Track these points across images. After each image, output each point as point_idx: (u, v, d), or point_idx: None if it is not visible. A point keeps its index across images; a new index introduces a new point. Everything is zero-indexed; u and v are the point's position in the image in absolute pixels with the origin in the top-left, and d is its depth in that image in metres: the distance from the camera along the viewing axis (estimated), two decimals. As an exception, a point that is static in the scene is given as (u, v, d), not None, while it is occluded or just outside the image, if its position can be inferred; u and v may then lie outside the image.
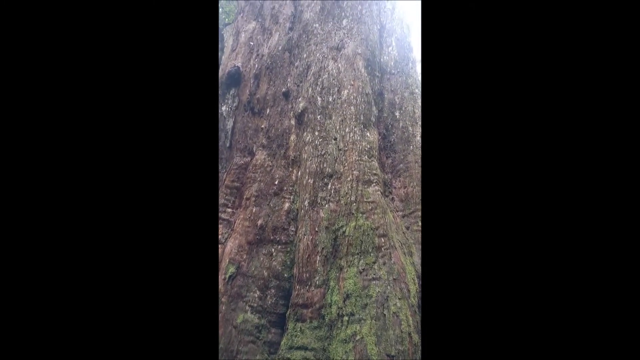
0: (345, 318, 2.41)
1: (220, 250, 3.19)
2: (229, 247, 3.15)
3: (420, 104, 3.66)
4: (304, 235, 2.85)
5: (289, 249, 3.01)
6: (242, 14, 4.58)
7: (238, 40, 4.40)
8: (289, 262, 2.95)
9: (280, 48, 3.97)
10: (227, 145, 3.89)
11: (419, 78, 3.90)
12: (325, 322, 2.49)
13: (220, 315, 2.81)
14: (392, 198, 3.26)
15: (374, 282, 2.51)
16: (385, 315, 2.35)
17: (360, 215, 2.78)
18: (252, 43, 4.24)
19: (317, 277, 2.66)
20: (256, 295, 2.85)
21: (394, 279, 2.53)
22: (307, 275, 2.70)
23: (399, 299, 2.43)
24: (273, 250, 3.02)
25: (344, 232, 2.73)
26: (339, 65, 3.45)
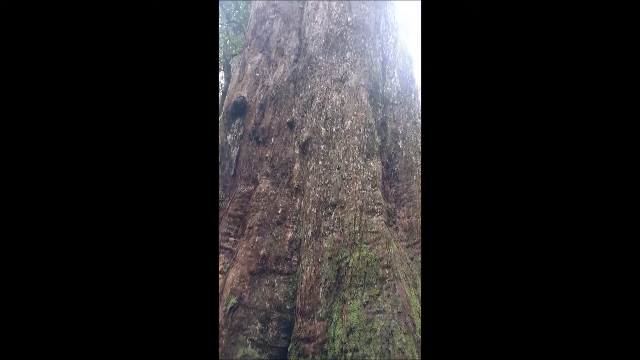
0: (349, 354, 2.33)
1: (222, 281, 3.14)
2: (231, 277, 3.10)
3: (423, 133, 3.68)
4: (307, 265, 2.81)
5: (291, 279, 2.95)
6: (248, 47, 4.72)
7: (244, 72, 4.52)
8: (291, 294, 2.89)
9: (285, 79, 4.06)
10: (232, 173, 3.91)
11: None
12: (328, 358, 2.40)
13: (219, 349, 2.73)
14: (396, 228, 3.22)
15: (378, 315, 2.44)
16: (390, 351, 2.26)
17: (364, 245, 2.74)
18: (257, 74, 4.35)
19: (320, 310, 2.59)
20: (257, 328, 2.78)
21: (399, 312, 2.46)
22: (310, 307, 2.64)
23: (404, 333, 2.35)
24: (275, 280, 2.97)
25: (347, 263, 2.69)
26: (343, 96, 3.52)
